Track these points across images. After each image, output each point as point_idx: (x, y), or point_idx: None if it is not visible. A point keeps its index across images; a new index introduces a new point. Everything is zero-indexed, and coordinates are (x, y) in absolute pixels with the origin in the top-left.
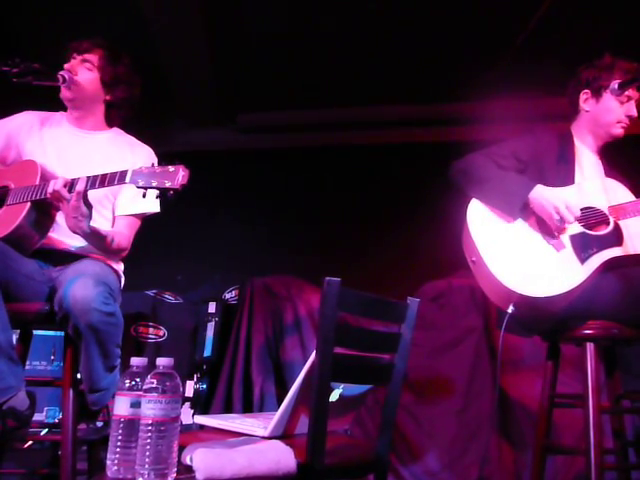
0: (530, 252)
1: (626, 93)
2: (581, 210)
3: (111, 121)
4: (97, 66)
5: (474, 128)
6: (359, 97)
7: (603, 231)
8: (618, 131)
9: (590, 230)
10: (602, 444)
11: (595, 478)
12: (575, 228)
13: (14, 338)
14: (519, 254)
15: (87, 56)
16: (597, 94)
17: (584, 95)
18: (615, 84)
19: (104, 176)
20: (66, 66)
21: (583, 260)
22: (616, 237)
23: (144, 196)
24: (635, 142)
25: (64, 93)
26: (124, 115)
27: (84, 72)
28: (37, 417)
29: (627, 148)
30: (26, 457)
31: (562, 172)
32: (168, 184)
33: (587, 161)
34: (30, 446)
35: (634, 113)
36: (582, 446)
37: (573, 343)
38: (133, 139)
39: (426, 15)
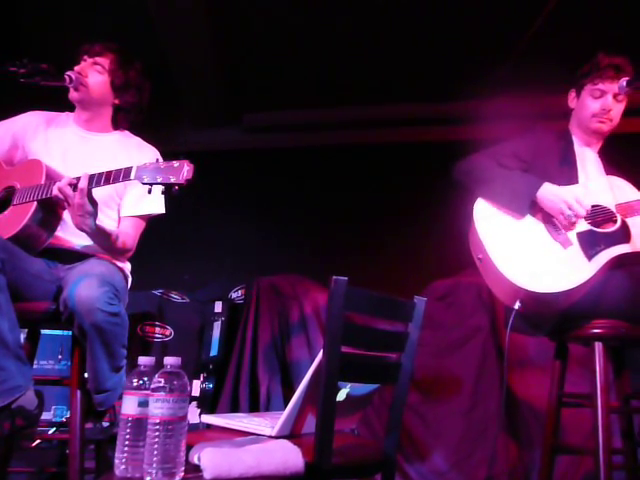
0: (537, 249)
1: (598, 87)
2: None
3: (118, 124)
4: (108, 70)
5: (481, 127)
6: (366, 96)
7: (610, 228)
8: (595, 125)
9: (597, 228)
10: (611, 444)
11: (604, 478)
12: (582, 225)
13: (22, 337)
14: (526, 251)
15: (98, 59)
16: (579, 91)
17: (571, 94)
18: (624, 81)
19: (109, 173)
20: (76, 68)
21: (590, 257)
22: (624, 234)
23: (149, 192)
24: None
25: (72, 94)
26: (132, 119)
27: (94, 75)
28: (45, 416)
29: (625, 146)
30: (34, 456)
31: (566, 173)
32: (173, 179)
33: (589, 160)
34: (38, 445)
35: (608, 106)
36: (590, 446)
37: (581, 343)
38: (140, 140)
39: (431, 15)
